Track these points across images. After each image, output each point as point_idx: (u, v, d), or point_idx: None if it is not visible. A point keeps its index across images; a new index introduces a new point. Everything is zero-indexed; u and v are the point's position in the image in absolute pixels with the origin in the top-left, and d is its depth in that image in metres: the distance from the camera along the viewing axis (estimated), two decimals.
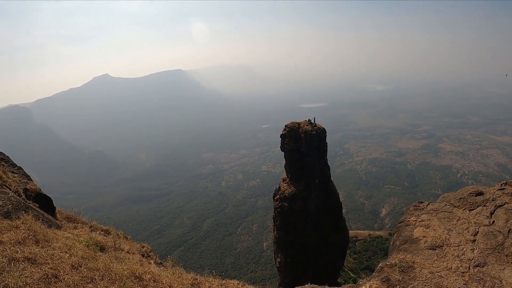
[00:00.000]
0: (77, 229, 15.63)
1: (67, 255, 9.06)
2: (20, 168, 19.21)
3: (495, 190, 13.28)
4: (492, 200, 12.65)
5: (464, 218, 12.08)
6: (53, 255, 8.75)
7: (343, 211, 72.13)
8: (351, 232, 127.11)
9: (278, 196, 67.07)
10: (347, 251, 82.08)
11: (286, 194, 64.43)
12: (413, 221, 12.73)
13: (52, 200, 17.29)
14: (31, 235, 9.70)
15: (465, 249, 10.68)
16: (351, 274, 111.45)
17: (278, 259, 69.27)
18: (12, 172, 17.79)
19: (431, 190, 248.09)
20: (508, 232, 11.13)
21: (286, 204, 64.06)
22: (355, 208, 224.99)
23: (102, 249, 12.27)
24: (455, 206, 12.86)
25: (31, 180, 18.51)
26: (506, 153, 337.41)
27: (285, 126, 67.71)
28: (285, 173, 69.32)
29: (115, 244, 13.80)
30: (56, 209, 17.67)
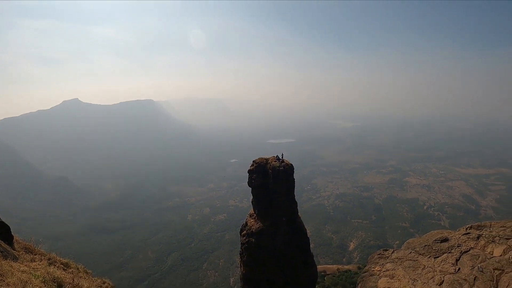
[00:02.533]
0: (34, 261, 15.02)
1: None
2: None
3: (460, 235, 13.01)
4: (458, 246, 12.34)
5: (430, 267, 11.66)
6: None
7: (311, 246, 71.39)
8: (320, 267, 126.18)
9: (245, 231, 65.92)
10: (316, 286, 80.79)
11: (253, 230, 63.42)
12: (378, 270, 12.21)
13: (10, 229, 16.44)
14: None
15: None
16: None
17: None
18: None
19: (398, 223, 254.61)
20: (474, 280, 10.73)
21: (253, 240, 62.91)
22: (323, 243, 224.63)
23: (60, 286, 11.42)
24: (420, 254, 12.46)
25: None
26: (470, 184, 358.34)
27: (253, 161, 67.59)
28: (252, 208, 68.58)
29: (74, 280, 13.03)
30: (14, 238, 16.92)
